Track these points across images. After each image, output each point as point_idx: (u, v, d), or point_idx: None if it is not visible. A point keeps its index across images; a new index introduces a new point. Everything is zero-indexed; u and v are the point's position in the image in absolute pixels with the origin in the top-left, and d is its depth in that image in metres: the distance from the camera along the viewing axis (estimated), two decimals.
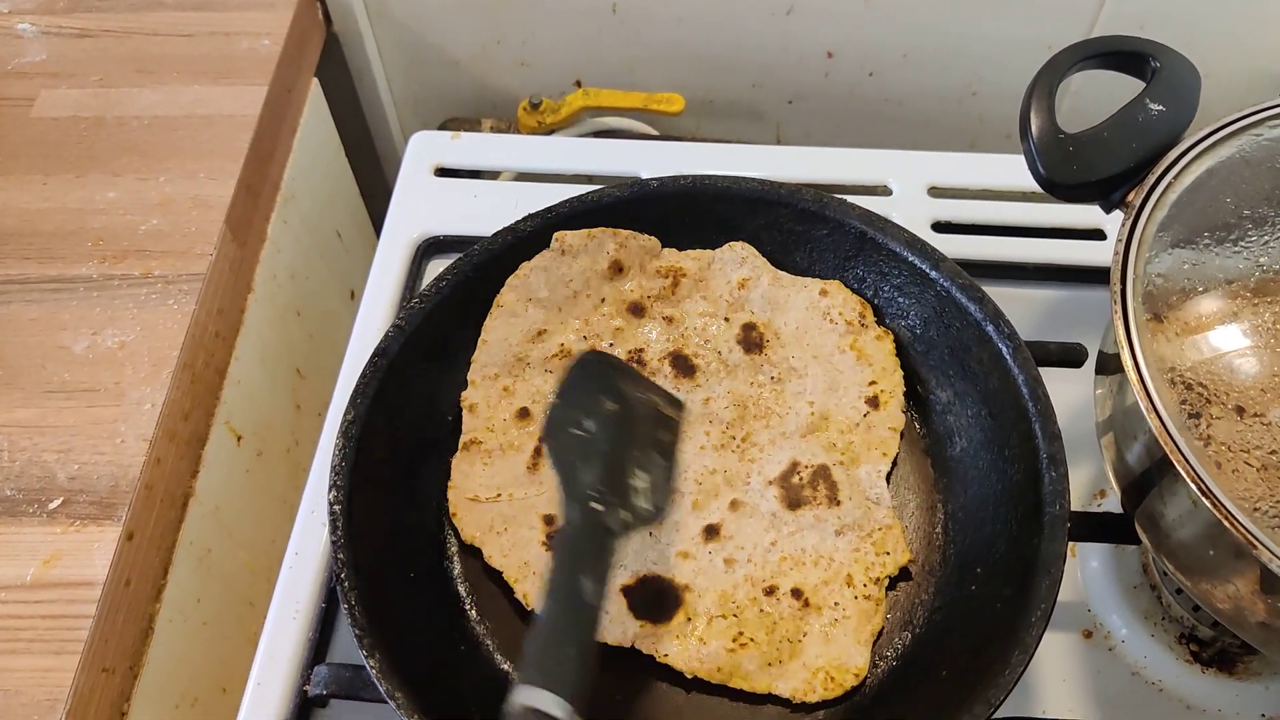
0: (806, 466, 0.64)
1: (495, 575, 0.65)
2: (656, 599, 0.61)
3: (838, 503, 0.63)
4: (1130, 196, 0.60)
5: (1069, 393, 0.70)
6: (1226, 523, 0.50)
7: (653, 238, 0.72)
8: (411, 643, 0.58)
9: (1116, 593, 0.70)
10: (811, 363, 0.68)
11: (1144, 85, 0.64)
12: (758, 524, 0.63)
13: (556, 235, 0.71)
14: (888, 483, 0.66)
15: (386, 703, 0.54)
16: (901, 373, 0.67)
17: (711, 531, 0.63)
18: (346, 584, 0.57)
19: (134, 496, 0.69)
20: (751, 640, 0.59)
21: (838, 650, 0.59)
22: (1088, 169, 0.62)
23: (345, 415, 0.62)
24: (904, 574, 0.63)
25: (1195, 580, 0.57)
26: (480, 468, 0.66)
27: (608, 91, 1.02)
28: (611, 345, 0.70)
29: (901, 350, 0.70)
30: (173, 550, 0.74)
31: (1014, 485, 0.61)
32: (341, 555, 0.58)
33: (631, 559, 0.62)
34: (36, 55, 0.91)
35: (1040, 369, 0.63)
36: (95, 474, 0.70)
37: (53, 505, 0.69)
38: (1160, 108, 0.62)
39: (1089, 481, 0.74)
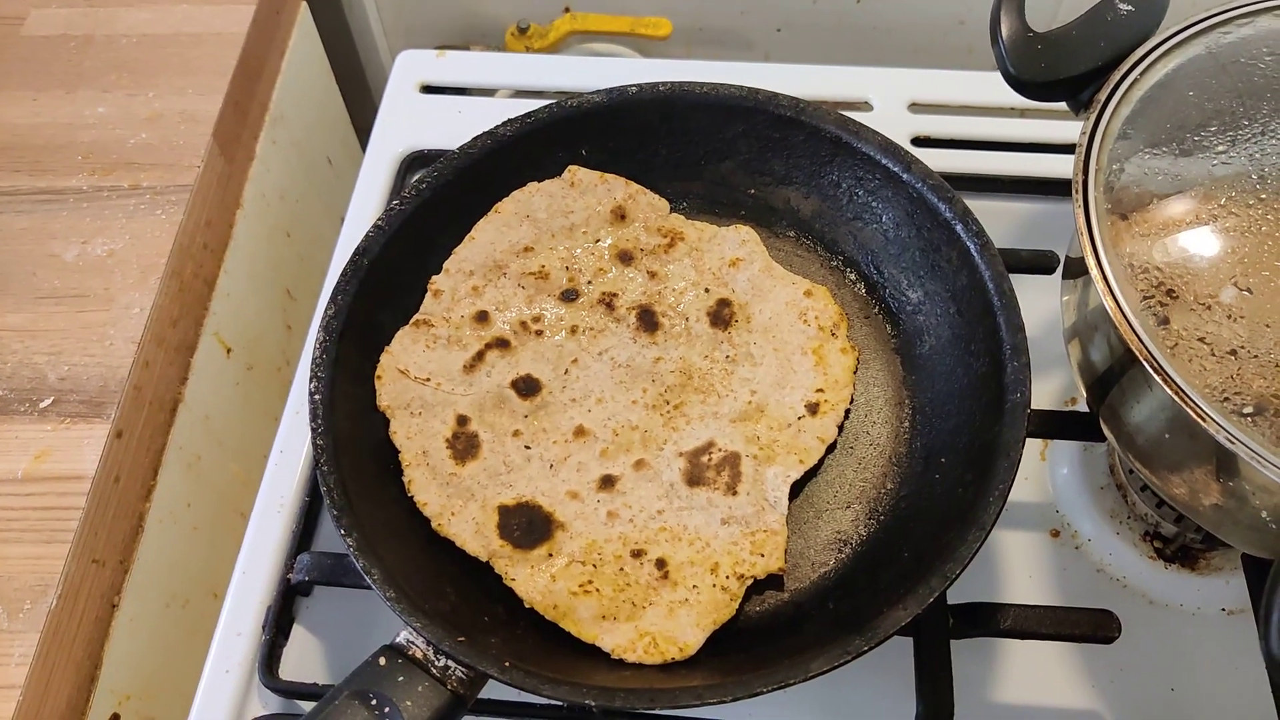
0: (720, 450, 0.64)
1: None
2: (527, 527, 0.61)
3: (735, 493, 0.62)
4: (1097, 94, 0.61)
5: (1043, 306, 0.71)
6: (1178, 399, 0.51)
7: (663, 200, 0.73)
8: (389, 526, 0.59)
9: (1085, 493, 0.71)
10: (771, 354, 0.68)
11: None
12: (653, 489, 0.63)
13: (570, 168, 0.72)
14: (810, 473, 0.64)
15: (367, 586, 0.56)
16: (851, 390, 0.67)
17: (608, 482, 0.63)
18: (325, 468, 0.58)
19: (122, 396, 0.71)
20: (597, 590, 0.59)
21: (674, 625, 0.58)
22: (1055, 67, 0.62)
23: (326, 310, 0.64)
24: (773, 581, 0.61)
25: (1154, 468, 0.59)
26: (422, 348, 0.66)
27: (595, 15, 1.03)
28: (589, 284, 0.70)
29: (875, 255, 0.71)
30: (162, 453, 0.76)
31: (979, 378, 0.62)
32: (320, 442, 0.59)
33: (522, 482, 0.63)
34: None
35: (1012, 275, 0.64)
36: (85, 375, 0.71)
37: (44, 404, 0.70)
38: (1129, 7, 0.63)
39: (1060, 390, 0.76)
